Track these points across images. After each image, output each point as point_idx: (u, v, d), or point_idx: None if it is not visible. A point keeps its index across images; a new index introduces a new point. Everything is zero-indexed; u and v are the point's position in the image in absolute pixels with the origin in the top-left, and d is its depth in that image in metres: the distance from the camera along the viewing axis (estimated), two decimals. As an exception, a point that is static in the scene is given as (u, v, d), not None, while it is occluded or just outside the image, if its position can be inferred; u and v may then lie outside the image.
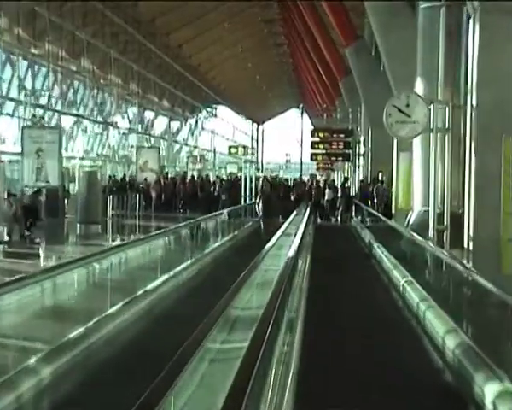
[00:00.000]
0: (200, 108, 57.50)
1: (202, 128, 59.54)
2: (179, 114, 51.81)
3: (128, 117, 41.73)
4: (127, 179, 30.83)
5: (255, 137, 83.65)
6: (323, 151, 27.83)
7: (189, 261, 11.63)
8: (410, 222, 11.91)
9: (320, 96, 45.26)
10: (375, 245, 14.12)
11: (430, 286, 8.62)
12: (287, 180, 31.12)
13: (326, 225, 22.72)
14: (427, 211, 10.64)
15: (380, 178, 21.83)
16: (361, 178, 25.36)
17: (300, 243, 10.34)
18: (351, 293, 9.91)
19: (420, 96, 9.90)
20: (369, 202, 21.55)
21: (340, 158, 28.35)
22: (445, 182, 10.00)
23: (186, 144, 53.74)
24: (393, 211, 15.90)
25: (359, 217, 21.91)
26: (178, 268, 10.66)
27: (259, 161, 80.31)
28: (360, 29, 25.77)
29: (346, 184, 24.87)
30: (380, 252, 13.13)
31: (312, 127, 34.85)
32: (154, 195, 28.64)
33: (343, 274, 11.57)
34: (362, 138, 26.12)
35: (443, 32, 10.81)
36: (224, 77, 55.97)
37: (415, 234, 10.22)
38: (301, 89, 59.41)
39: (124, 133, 40.33)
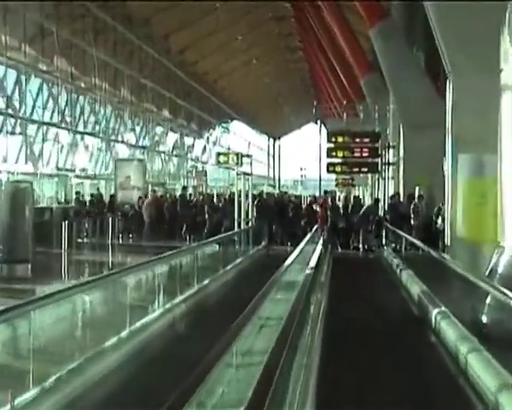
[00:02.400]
0: (214, 124, 53.42)
1: (214, 144, 55.68)
2: (192, 130, 47.78)
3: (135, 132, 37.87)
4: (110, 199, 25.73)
5: (271, 152, 79.45)
6: (343, 160, 22.09)
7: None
8: (499, 270, 6.70)
9: (339, 102, 40.30)
10: (435, 312, 7.65)
11: None
12: (296, 197, 25.74)
13: (348, 258, 17.47)
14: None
15: (417, 194, 16.78)
16: (391, 194, 20.01)
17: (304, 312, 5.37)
18: None
19: None
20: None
21: (365, 169, 22.52)
22: None
23: (194, 160, 49.67)
24: (447, 242, 10.64)
25: (391, 246, 16.63)
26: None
27: (276, 177, 76.24)
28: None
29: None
30: (449, 329, 6.85)
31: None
32: (146, 218, 23.25)
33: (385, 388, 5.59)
34: (392, 143, 20.89)
35: None
36: (235, 88, 51.72)
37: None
38: (319, 98, 54.55)
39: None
